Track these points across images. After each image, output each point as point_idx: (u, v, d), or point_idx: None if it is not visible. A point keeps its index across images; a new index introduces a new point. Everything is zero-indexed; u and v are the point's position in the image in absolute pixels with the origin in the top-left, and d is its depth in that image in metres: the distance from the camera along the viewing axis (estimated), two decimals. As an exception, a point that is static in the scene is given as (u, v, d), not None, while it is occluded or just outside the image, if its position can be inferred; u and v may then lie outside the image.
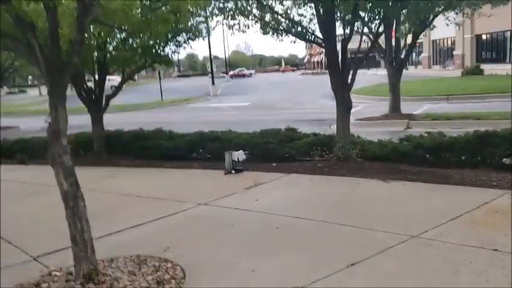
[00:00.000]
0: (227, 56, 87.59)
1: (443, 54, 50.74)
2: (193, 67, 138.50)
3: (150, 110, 27.03)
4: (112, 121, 20.93)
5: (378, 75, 46.47)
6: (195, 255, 4.37)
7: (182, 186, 7.22)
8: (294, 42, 8.69)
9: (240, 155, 7.97)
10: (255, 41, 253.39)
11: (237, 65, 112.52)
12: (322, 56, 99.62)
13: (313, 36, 8.09)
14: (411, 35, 13.96)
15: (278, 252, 4.29)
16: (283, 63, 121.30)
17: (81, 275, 3.76)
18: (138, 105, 28.89)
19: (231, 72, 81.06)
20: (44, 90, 61.84)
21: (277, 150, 8.74)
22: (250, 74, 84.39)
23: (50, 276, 4.05)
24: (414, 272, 3.71)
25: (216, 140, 9.54)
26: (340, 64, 7.82)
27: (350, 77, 7.93)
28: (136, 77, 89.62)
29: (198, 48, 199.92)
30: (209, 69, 46.24)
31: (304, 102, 25.27)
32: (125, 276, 3.88)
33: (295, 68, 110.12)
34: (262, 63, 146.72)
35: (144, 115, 24.46)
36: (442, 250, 4.09)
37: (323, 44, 7.94)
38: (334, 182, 6.76)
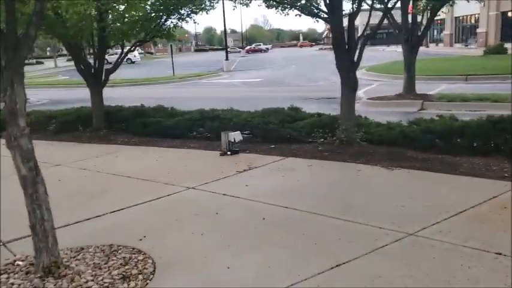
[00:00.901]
0: (244, 30, 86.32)
1: (466, 32, 48.97)
2: (211, 41, 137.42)
3: (161, 85, 26.72)
4: (119, 95, 20.86)
5: (398, 52, 45.17)
6: (171, 247, 4.06)
7: (175, 167, 6.89)
8: (300, 16, 8.15)
9: (236, 135, 7.59)
10: (273, 15, 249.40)
11: (254, 39, 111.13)
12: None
13: (318, 11, 7.53)
14: (429, 10, 13.19)
15: (260, 247, 3.94)
16: (301, 38, 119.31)
17: (40, 267, 3.48)
18: (149, 80, 28.61)
19: (247, 47, 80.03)
20: (60, 61, 62.22)
21: (278, 131, 8.33)
22: (267, 49, 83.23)
23: (13, 266, 3.78)
24: (404, 277, 3.32)
25: (216, 118, 9.17)
26: (346, 41, 7.28)
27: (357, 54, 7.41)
28: (153, 50, 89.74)
29: (216, 22, 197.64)
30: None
31: (317, 79, 24.61)
32: (88, 270, 3.58)
33: (314, 43, 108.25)
34: (280, 38, 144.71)
35: (153, 90, 24.17)
36: (439, 251, 3.68)
37: (328, 19, 7.41)
38: (333, 168, 6.35)
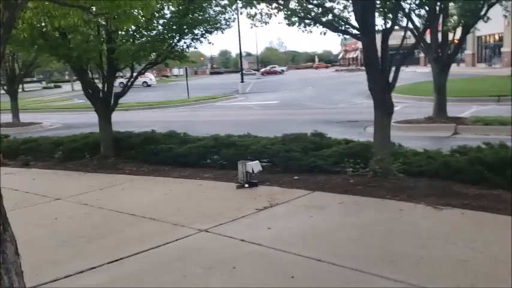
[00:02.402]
0: (259, 52, 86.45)
1: (489, 51, 47.78)
2: (226, 64, 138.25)
3: (174, 108, 26.20)
4: (132, 119, 20.32)
5: (418, 73, 44.24)
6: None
7: (185, 203, 6.06)
8: (324, 34, 7.39)
9: (255, 165, 6.75)
10: (288, 37, 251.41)
11: (269, 61, 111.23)
12: (358, 52, 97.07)
13: (347, 27, 6.75)
14: (460, 28, 12.33)
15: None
16: (316, 59, 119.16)
17: None
18: (163, 103, 28.17)
19: (262, 70, 79.90)
20: (77, 85, 62.66)
21: (301, 160, 7.48)
22: (282, 70, 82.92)
23: None
24: None
25: (232, 145, 8.37)
26: (380, 60, 6.46)
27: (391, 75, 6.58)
28: (169, 73, 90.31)
29: (231, 45, 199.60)
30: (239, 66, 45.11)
31: (336, 101, 23.77)
32: None
33: (329, 65, 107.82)
34: (295, 60, 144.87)
35: (167, 113, 23.63)
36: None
37: (359, 36, 6.61)
38: (369, 206, 5.43)
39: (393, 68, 6.55)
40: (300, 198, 5.91)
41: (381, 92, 6.45)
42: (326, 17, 7.14)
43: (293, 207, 5.57)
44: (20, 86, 53.98)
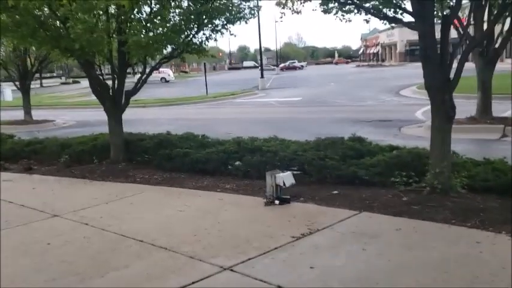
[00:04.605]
0: (278, 47, 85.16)
1: (517, 45, 45.64)
2: (245, 59, 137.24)
3: (193, 105, 25.25)
4: (149, 116, 19.45)
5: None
6: None
7: (204, 224, 5.02)
8: (367, 21, 6.30)
9: (286, 178, 5.66)
10: (307, 32, 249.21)
11: (288, 57, 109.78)
12: (379, 47, 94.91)
13: (398, 12, 5.61)
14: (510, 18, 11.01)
15: None
16: (336, 55, 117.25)
17: None
18: (181, 99, 27.25)
19: (282, 65, 78.60)
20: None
21: (339, 169, 6.39)
22: (302, 66, 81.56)
23: None
24: None
25: (257, 150, 7.31)
26: (439, 52, 5.32)
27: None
28: (187, 69, 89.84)
29: (250, 40, 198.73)
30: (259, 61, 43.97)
31: (362, 98, 22.48)
32: None
33: (349, 60, 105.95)
34: (314, 55, 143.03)
35: (185, 110, 22.70)
36: None
37: (412, 24, 5.48)
38: (435, 236, 4.31)
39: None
40: (345, 222, 4.82)
41: (441, 91, 5.31)
42: (370, 2, 6.01)
43: (338, 234, 4.48)
44: (38, 81, 54.14)
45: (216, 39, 8.23)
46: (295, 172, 6.31)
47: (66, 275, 3.95)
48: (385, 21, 6.13)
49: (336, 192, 5.90)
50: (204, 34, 8.15)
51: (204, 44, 8.17)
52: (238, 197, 6.06)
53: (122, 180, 7.41)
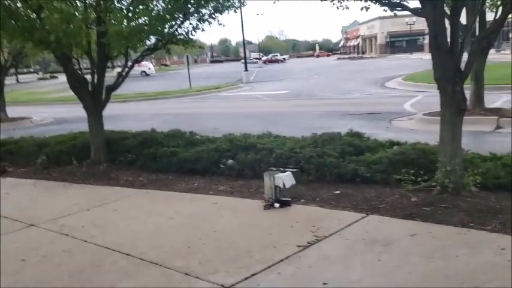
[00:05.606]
0: (260, 41, 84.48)
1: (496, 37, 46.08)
2: (226, 52, 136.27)
3: (177, 99, 24.61)
4: (130, 112, 18.75)
5: (425, 59, 42.52)
6: None
7: (198, 234, 4.54)
8: (367, 9, 5.84)
9: (286, 178, 5.23)
10: (288, 25, 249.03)
11: (270, 50, 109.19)
12: (359, 40, 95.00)
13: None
14: (502, 6, 10.71)
15: None
16: (317, 47, 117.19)
17: None
18: (164, 93, 26.55)
19: (264, 58, 78.08)
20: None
21: (339, 167, 5.98)
22: (284, 59, 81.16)
23: None
24: None
25: (251, 148, 6.85)
26: (449, 40, 4.93)
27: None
28: (168, 61, 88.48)
29: (231, 33, 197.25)
30: (242, 54, 43.39)
31: (348, 91, 22.18)
32: None
33: (330, 53, 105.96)
34: (295, 48, 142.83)
35: (168, 104, 22.05)
36: None
37: (419, 10, 5.07)
38: (454, 241, 3.92)
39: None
40: (353, 226, 4.41)
41: (451, 82, 4.92)
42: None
43: (348, 242, 4.06)
44: (14, 77, 52.42)
45: (203, 29, 7.70)
46: (293, 170, 5.89)
47: (43, 299, 3.45)
48: (386, 8, 5.70)
49: (338, 192, 5.49)
50: (190, 24, 7.62)
51: (191, 34, 7.64)
52: (234, 200, 5.59)
53: (104, 183, 6.87)
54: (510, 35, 42.43)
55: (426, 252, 3.74)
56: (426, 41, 70.08)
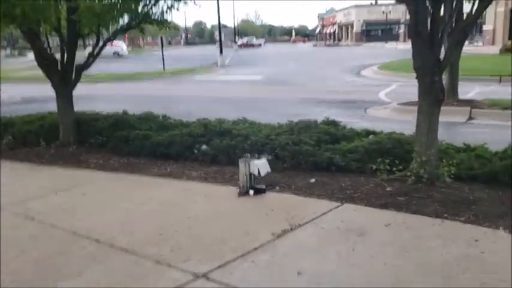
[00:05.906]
0: (236, 24, 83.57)
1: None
2: (201, 35, 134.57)
3: (150, 81, 24.13)
4: (101, 93, 18.25)
5: (400, 49, 42.99)
6: None
7: (171, 220, 4.43)
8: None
9: (262, 166, 5.14)
10: (264, 10, 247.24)
11: (245, 34, 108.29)
12: (336, 27, 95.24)
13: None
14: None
15: None
16: (293, 33, 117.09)
17: None
18: (137, 75, 25.99)
19: (240, 42, 77.31)
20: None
21: (315, 155, 5.94)
22: (260, 44, 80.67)
23: None
24: None
25: (226, 134, 6.73)
26: (429, 30, 4.92)
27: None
28: (141, 43, 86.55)
29: (206, 15, 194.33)
30: (217, 38, 42.81)
31: (324, 78, 22.23)
32: None
33: (306, 39, 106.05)
34: (271, 33, 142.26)
35: (142, 86, 21.62)
36: None
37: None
38: (428, 232, 3.93)
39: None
40: (328, 215, 4.38)
41: (430, 73, 4.91)
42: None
43: (322, 231, 4.02)
44: (-22, 54, 50.21)
45: (177, 9, 7.47)
46: (268, 158, 5.81)
47: (5, 286, 3.28)
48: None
49: (313, 180, 5.45)
50: (165, 2, 7.37)
51: (166, 13, 7.40)
52: (208, 186, 5.48)
53: (73, 166, 6.64)
54: (483, 27, 43.30)
55: (400, 243, 3.74)
56: (402, 30, 70.80)
